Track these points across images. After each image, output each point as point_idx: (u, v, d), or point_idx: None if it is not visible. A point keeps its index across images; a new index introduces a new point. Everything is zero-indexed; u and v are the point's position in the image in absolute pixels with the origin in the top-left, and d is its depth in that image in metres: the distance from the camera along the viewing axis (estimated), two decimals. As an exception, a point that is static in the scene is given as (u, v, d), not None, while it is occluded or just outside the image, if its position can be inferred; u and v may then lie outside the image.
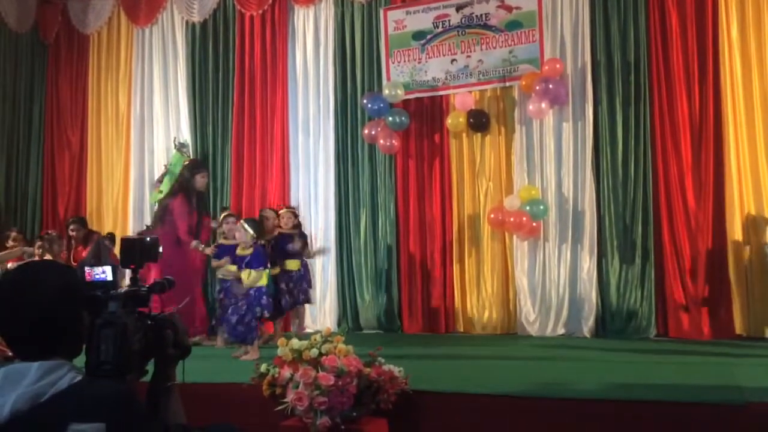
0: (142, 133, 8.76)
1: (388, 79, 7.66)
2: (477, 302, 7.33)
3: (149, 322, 1.84)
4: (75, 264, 7.34)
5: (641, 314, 6.69)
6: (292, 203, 7.79)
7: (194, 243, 6.86)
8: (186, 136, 8.44)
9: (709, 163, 6.59)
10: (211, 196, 8.11)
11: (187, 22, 8.57)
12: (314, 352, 3.91)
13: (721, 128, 6.57)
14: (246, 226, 6.10)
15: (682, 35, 6.73)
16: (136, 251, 2.04)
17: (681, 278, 6.63)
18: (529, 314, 7.08)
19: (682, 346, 6.08)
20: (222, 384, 4.63)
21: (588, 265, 6.92)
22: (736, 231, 6.51)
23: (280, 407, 3.89)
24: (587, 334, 6.81)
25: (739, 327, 6.39)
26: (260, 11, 8.18)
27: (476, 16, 7.40)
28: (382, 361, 4.11)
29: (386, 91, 7.51)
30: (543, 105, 6.93)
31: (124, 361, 1.66)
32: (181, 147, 8.31)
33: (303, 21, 8.19)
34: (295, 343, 4.02)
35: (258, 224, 6.30)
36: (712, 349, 5.79)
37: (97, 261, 6.23)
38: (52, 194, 9.11)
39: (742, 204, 6.55)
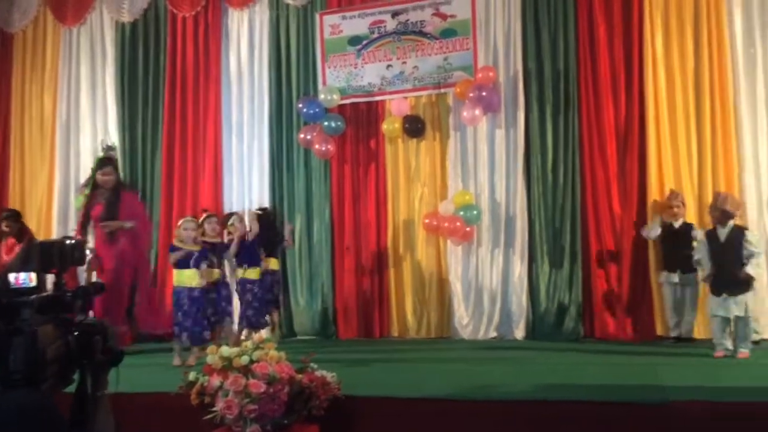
0: (68, 135, 8.50)
1: (324, 83, 7.63)
2: (411, 307, 7.37)
3: (74, 329, 1.78)
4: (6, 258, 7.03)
5: (569, 317, 6.85)
6: (225, 208, 7.69)
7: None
8: (114, 139, 8.22)
9: (633, 169, 6.80)
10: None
11: (116, 22, 8.36)
12: (245, 359, 3.84)
13: (645, 137, 6.78)
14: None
15: (609, 46, 6.93)
16: (55, 255, 1.97)
17: (607, 282, 6.81)
18: (462, 318, 7.17)
19: (608, 346, 6.25)
20: (149, 393, 4.51)
21: (519, 269, 7.05)
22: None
23: (208, 416, 3.81)
24: (518, 337, 6.94)
25: (659, 328, 6.62)
26: (193, 12, 8.05)
27: (411, 22, 7.47)
28: (315, 367, 4.08)
29: (322, 96, 7.49)
30: (476, 112, 7.03)
31: (36, 370, 1.59)
32: (108, 150, 8.07)
33: (237, 23, 8.10)
34: (225, 350, 3.94)
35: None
36: (636, 350, 5.99)
37: (25, 266, 5.96)
38: (-27, 197, 8.73)
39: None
